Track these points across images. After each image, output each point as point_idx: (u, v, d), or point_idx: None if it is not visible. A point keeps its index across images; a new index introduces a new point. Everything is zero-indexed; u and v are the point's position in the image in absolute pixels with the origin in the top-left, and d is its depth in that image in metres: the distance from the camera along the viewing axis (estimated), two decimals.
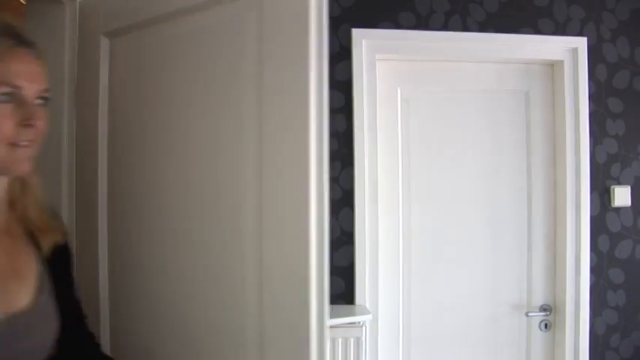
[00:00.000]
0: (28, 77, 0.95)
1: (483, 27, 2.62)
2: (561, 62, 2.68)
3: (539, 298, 2.73)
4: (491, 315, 2.72)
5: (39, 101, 0.98)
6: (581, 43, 2.68)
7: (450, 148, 2.70)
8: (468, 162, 2.71)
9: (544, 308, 2.72)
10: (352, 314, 2.39)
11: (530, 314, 2.71)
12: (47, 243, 1.07)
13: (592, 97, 2.69)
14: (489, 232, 2.73)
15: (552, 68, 2.74)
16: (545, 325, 2.72)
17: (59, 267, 1.11)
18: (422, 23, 2.59)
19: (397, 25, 2.59)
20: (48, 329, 1.01)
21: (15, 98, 0.94)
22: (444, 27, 2.61)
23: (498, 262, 2.72)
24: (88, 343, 1.26)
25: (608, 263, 2.72)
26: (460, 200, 2.71)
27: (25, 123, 0.95)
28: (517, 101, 2.74)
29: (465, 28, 2.62)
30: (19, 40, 0.97)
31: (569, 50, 2.68)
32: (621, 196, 2.71)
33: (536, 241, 2.74)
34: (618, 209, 2.72)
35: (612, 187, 2.70)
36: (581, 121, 2.65)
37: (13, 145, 0.95)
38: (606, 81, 2.72)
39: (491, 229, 2.73)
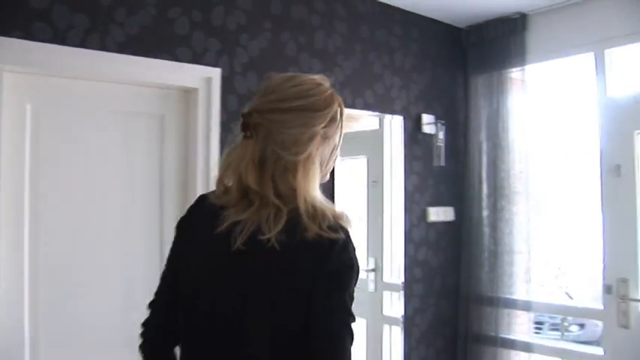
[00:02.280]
0: None
1: (123, 49, 2.68)
2: (196, 90, 2.93)
3: None
4: (127, 341, 2.77)
5: None
6: (215, 73, 2.97)
7: (85, 169, 2.69)
8: (104, 183, 2.75)
9: None
10: None
11: None
12: None
13: (223, 125, 2.99)
14: (122, 257, 2.80)
15: (188, 95, 2.97)
16: None
17: None
18: (58, 37, 2.52)
19: (30, 37, 2.45)
20: None
21: None
22: (82, 44, 2.57)
23: (132, 287, 2.81)
24: None
25: None
26: (94, 223, 2.71)
27: None
28: (153, 124, 2.91)
29: (104, 48, 2.63)
30: None
31: (204, 79, 2.94)
32: None
33: None
34: None
35: None
36: (212, 146, 2.92)
37: None
38: (237, 111, 3.04)
39: (125, 253, 2.81)
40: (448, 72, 4.24)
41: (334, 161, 1.51)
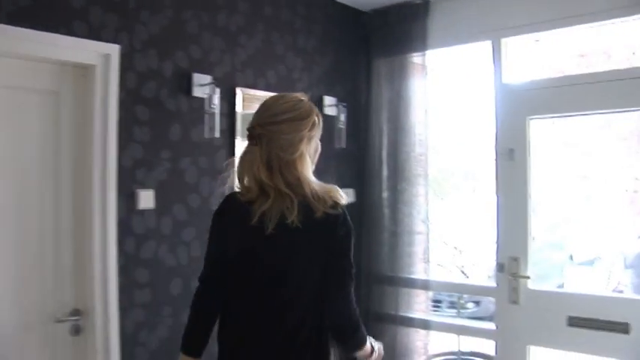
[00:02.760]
0: None
1: (14, 20, 2.55)
2: (94, 67, 2.84)
3: (68, 303, 2.84)
4: (18, 326, 2.69)
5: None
6: (114, 50, 2.89)
7: None
8: None
9: (74, 312, 2.84)
10: None
11: (59, 320, 2.78)
12: None
13: (121, 104, 2.92)
14: (13, 238, 2.69)
15: (85, 71, 2.87)
16: (76, 330, 2.84)
17: None
18: None
19: None
20: None
21: None
22: None
23: (25, 269, 2.72)
24: None
25: (134, 264, 3.00)
26: None
27: None
28: (48, 102, 2.78)
29: None
30: None
31: (102, 56, 2.86)
32: (145, 200, 3.01)
33: (64, 246, 2.83)
34: (143, 211, 3.01)
35: (137, 190, 2.99)
36: (110, 126, 2.85)
37: None
38: (135, 89, 2.99)
39: (16, 234, 2.70)
40: (351, 55, 4.31)
41: (318, 153, 2.12)
